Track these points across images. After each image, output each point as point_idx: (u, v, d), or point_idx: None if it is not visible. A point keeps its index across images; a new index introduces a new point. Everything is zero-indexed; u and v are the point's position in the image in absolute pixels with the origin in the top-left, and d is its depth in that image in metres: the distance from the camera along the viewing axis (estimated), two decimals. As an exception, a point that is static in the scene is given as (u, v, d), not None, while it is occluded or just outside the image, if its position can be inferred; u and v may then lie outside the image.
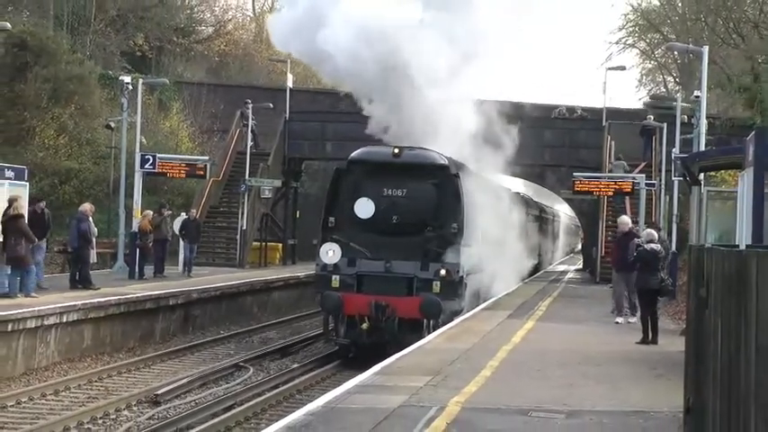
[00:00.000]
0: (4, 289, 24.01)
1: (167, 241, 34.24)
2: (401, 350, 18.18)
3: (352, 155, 25.40)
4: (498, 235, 30.40)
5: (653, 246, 20.63)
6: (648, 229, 22.26)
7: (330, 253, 23.96)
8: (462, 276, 24.30)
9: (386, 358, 17.09)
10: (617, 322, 23.93)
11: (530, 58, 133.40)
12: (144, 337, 27.23)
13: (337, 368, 23.41)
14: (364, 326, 23.45)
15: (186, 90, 51.19)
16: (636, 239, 22.77)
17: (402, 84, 26.02)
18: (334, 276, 23.93)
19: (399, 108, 26.29)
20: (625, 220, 24.93)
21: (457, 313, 24.33)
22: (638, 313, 22.05)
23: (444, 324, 22.73)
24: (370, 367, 16.04)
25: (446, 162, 24.76)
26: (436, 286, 23.55)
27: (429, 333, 21.93)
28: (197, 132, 49.67)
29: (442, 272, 23.67)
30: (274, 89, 48.05)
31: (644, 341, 20.34)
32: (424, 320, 23.26)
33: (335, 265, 23.98)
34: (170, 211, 35.44)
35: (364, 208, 24.08)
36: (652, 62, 65.16)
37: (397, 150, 24.41)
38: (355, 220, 24.29)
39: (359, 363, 20.97)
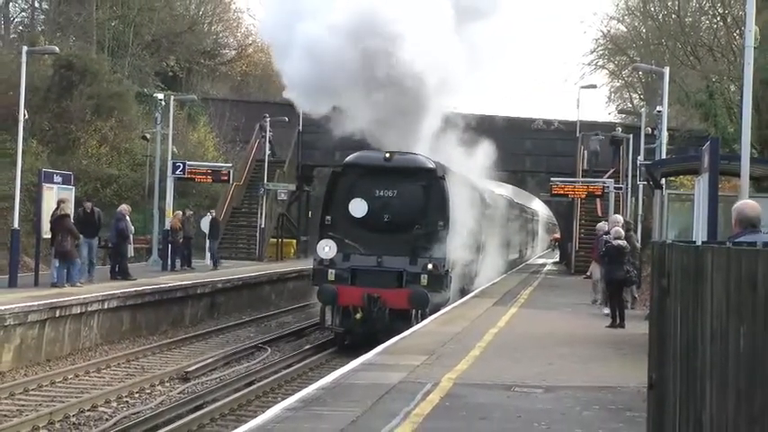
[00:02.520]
0: (53, 279, 24.09)
1: (191, 238, 34.30)
2: (391, 338, 17.71)
3: (347, 159, 24.79)
4: (482, 232, 29.94)
5: (619, 242, 20.59)
6: (615, 227, 22.20)
7: (326, 249, 23.33)
8: (448, 270, 23.71)
9: (377, 345, 16.71)
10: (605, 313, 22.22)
11: (513, 76, 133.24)
12: (175, 321, 27.25)
13: (336, 353, 22.90)
14: (358, 316, 22.77)
15: (212, 105, 51.21)
16: (604, 236, 22.69)
17: (396, 97, 25.51)
18: (330, 270, 23.22)
19: (393, 118, 25.76)
20: (617, 218, 24.42)
21: (443, 304, 23.70)
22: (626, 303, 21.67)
23: (431, 314, 22.15)
24: (363, 353, 15.75)
25: (433, 166, 24.16)
26: (424, 279, 22.92)
27: (417, 323, 21.31)
28: (221, 143, 49.65)
29: (429, 266, 23.07)
30: (289, 105, 47.89)
31: (612, 325, 20.31)
32: (413, 311, 22.61)
33: (331, 260, 23.31)
34: (191, 212, 35.55)
35: (358, 207, 23.47)
36: (620, 81, 65.07)
37: (388, 155, 23.83)
38: (350, 219, 23.64)
39: (353, 350, 20.62)
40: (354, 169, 24.18)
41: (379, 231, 23.47)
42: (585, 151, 46.11)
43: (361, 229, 23.60)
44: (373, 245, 23.44)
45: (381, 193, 23.67)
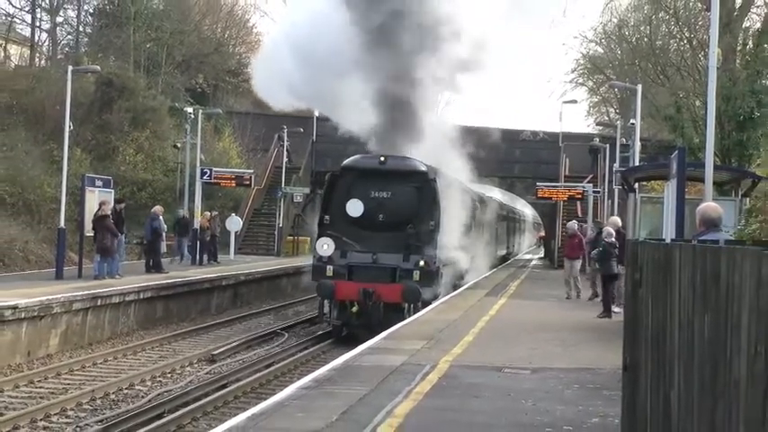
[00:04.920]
0: (95, 272, 24.13)
1: (216, 236, 34.29)
2: (385, 330, 17.04)
3: (345, 162, 23.76)
4: (471, 231, 29.24)
5: (612, 240, 20.35)
6: (607, 228, 21.98)
7: (325, 246, 22.35)
8: (439, 267, 22.80)
9: (372, 337, 16.18)
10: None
11: (504, 92, 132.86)
12: (203, 310, 27.26)
13: (336, 343, 22.04)
14: (354, 309, 21.75)
15: (235, 118, 51.24)
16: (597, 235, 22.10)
17: (396, 108, 24.75)
18: (328, 266, 22.21)
19: (393, 125, 24.85)
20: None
21: (434, 298, 22.81)
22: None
23: (423, 307, 21.34)
24: (360, 344, 15.31)
25: (425, 168, 23.29)
26: (416, 275, 21.94)
27: (410, 315, 20.37)
28: (244, 151, 49.69)
29: (421, 263, 22.06)
30: (304, 117, 47.95)
31: (603, 315, 19.55)
32: (405, 305, 21.63)
33: (329, 256, 22.28)
34: (216, 212, 35.60)
35: (355, 207, 22.49)
36: (598, 97, 65.01)
37: (383, 158, 23.01)
38: (347, 218, 22.61)
39: (350, 340, 20.15)
40: (351, 172, 23.30)
41: (375, 230, 22.58)
42: (567, 159, 46.09)
43: (357, 227, 22.65)
44: (369, 243, 22.50)
45: (376, 194, 22.77)
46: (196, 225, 33.19)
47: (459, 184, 27.34)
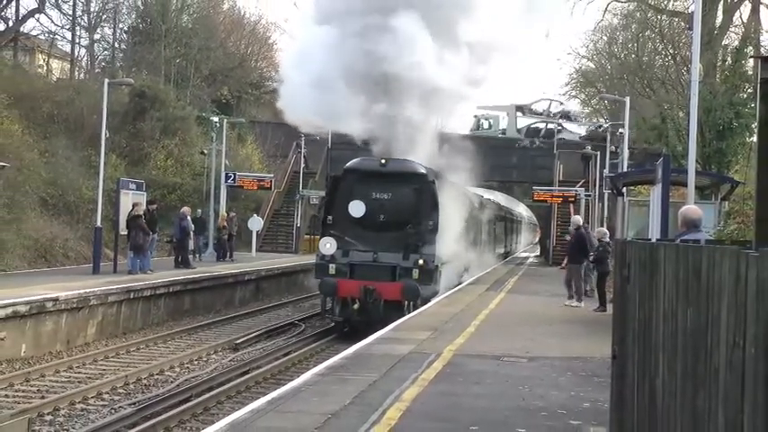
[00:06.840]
0: (129, 268, 24.19)
1: (233, 235, 34.29)
2: (385, 326, 16.46)
3: (347, 164, 22.85)
4: (470, 231, 28.58)
5: (607, 240, 20.21)
6: (599, 228, 21.77)
7: (328, 245, 21.47)
8: (437, 265, 22.01)
9: (373, 333, 15.62)
10: (567, 305, 21.03)
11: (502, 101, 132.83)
12: (227, 302, 27.28)
13: (337, 339, 21.27)
14: (355, 306, 20.89)
15: (257, 127, 51.31)
16: (593, 236, 21.85)
17: (397, 113, 24.05)
18: (330, 265, 21.36)
19: (394, 128, 23.77)
20: (578, 219, 23.36)
21: (433, 296, 21.74)
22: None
23: (423, 305, 20.65)
24: (360, 339, 14.88)
25: (424, 171, 22.52)
26: (415, 273, 21.12)
27: (409, 312, 19.56)
28: (265, 157, 49.74)
29: (420, 261, 21.26)
30: (320, 126, 47.91)
31: (599, 309, 19.45)
32: (405, 302, 20.78)
33: (332, 255, 21.44)
34: (234, 213, 35.65)
35: (356, 208, 21.70)
36: (589, 108, 65.00)
37: (383, 161, 22.19)
38: (349, 219, 21.75)
39: (351, 335, 19.76)
40: (353, 174, 22.40)
41: (375, 230, 21.78)
42: (561, 165, 46.04)
43: (359, 227, 21.84)
44: (370, 242, 21.68)
45: (377, 196, 21.96)
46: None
47: (458, 187, 26.68)
